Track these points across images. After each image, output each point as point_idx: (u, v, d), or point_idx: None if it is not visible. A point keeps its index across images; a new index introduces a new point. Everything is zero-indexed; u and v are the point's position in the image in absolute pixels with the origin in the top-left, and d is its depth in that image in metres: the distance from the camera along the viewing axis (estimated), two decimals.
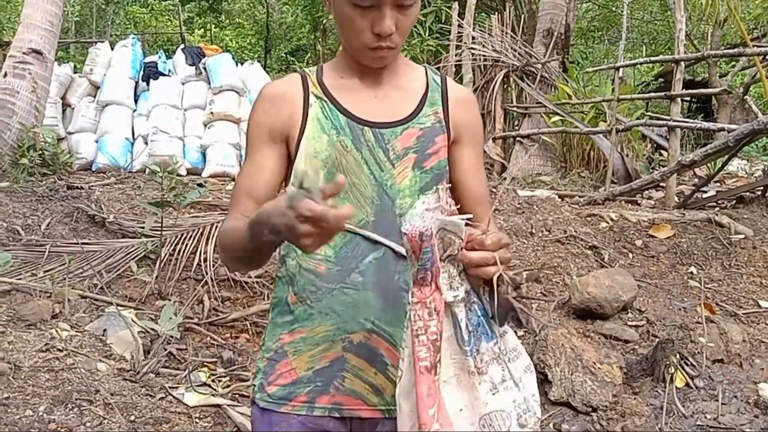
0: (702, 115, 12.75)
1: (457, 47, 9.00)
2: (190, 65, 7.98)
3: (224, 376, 3.14)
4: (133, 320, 3.29)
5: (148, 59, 8.16)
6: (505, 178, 7.69)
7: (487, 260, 0.98)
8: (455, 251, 0.99)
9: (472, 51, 8.81)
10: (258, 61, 11.38)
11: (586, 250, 4.50)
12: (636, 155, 7.55)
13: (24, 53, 5.90)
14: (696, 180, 6.83)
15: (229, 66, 7.84)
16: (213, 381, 3.08)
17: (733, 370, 3.18)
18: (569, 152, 7.94)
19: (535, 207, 5.27)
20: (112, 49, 8.11)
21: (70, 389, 2.59)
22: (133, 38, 8.49)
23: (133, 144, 7.23)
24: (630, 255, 4.52)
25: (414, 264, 0.99)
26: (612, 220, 4.97)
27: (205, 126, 7.37)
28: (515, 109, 8.79)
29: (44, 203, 4.68)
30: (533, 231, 4.70)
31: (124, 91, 7.47)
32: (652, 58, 8.09)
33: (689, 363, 3.12)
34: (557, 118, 7.79)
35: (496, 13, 9.32)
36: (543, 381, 3.02)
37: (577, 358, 3.05)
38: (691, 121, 7.12)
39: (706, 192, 6.03)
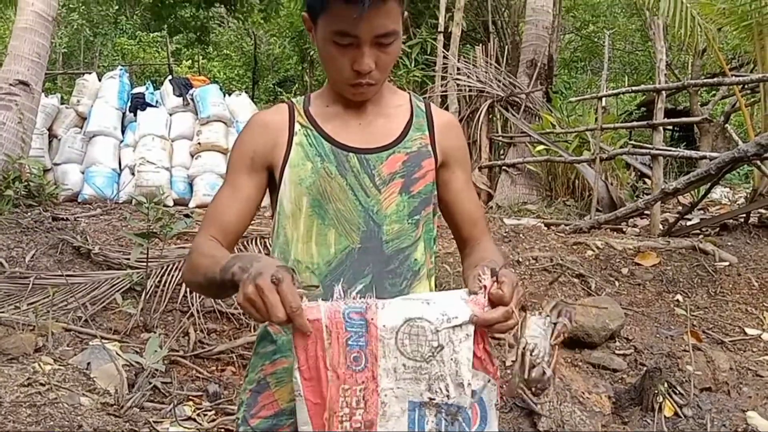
0: (684, 143, 12.94)
1: (443, 78, 9.12)
2: (178, 96, 8.01)
3: (210, 410, 3.10)
4: (117, 353, 3.24)
5: (136, 90, 8.19)
6: (491, 207, 7.74)
7: (506, 316, 1.00)
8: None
9: (458, 82, 8.93)
10: (246, 91, 11.45)
11: (573, 279, 4.52)
12: (620, 183, 7.63)
13: (11, 84, 5.91)
14: (680, 208, 6.91)
15: (217, 97, 7.88)
16: (198, 415, 3.03)
17: (721, 399, 3.18)
18: (554, 181, 8.02)
19: (521, 235, 5.30)
20: (100, 80, 8.14)
21: (53, 424, 2.54)
22: (121, 69, 8.53)
23: (119, 175, 7.21)
24: (616, 283, 4.54)
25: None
26: (598, 248, 5.00)
27: (193, 156, 7.38)
28: (500, 138, 8.89)
29: (29, 235, 4.64)
30: (520, 260, 4.72)
31: (111, 122, 7.47)
32: (634, 88, 8.23)
33: (677, 392, 3.13)
34: (542, 147, 7.89)
35: (481, 45, 9.48)
36: (531, 412, 3.01)
37: (565, 388, 3.05)
38: (674, 149, 7.23)
39: (690, 220, 6.09)
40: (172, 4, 13.69)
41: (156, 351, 3.03)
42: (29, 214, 5.21)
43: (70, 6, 14.07)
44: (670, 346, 3.69)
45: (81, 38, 15.45)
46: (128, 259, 4.24)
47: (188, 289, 3.98)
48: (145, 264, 3.95)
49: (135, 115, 7.71)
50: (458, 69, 8.99)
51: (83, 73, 9.40)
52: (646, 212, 6.01)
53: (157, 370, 3.16)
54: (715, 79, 7.45)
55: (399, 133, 1.25)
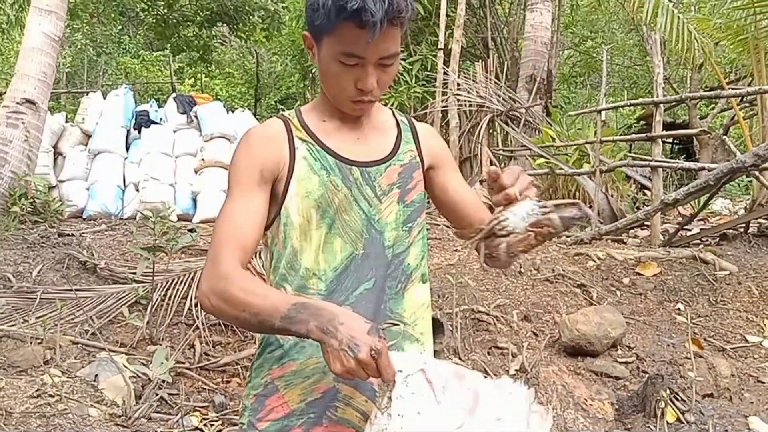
0: (684, 156, 13.01)
1: (443, 94, 9.21)
2: (182, 113, 8.10)
3: (216, 421, 3.13)
4: (124, 365, 3.28)
5: (140, 108, 8.27)
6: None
7: (507, 199, 1.11)
8: None
9: (458, 97, 9.01)
10: (248, 109, 11.56)
11: (575, 289, 4.56)
12: (620, 195, 7.67)
13: (17, 103, 5.98)
14: (680, 218, 6.95)
15: (220, 114, 7.97)
16: (205, 425, 3.07)
17: (723, 405, 3.21)
18: (555, 193, 8.06)
19: None
20: (104, 98, 8.23)
21: None
22: (126, 87, 8.62)
23: (124, 191, 7.27)
24: (618, 293, 4.57)
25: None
26: (599, 258, 5.04)
27: (196, 173, 7.45)
28: (501, 152, 8.95)
29: (35, 250, 4.69)
30: (522, 270, 4.76)
31: (115, 139, 7.55)
32: (633, 101, 8.29)
33: (679, 398, 3.15)
34: (542, 160, 7.94)
35: (480, 61, 9.58)
36: None
37: (568, 395, 3.07)
38: (673, 161, 7.29)
39: (690, 230, 6.13)
40: (175, 23, 13.88)
41: (162, 363, 3.06)
42: (35, 230, 5.27)
43: (75, 26, 14.24)
44: (672, 353, 3.72)
45: (85, 57, 15.62)
46: (134, 273, 4.29)
47: (193, 302, 4.03)
48: (150, 278, 4.00)
49: (139, 132, 7.79)
50: (458, 85, 9.08)
51: (87, 92, 9.51)
52: (646, 223, 6.05)
53: (163, 381, 3.19)
54: (713, 92, 7.53)
55: (392, 147, 1.34)
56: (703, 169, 5.58)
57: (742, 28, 6.08)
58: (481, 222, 1.17)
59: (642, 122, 12.43)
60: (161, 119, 8.18)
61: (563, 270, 4.75)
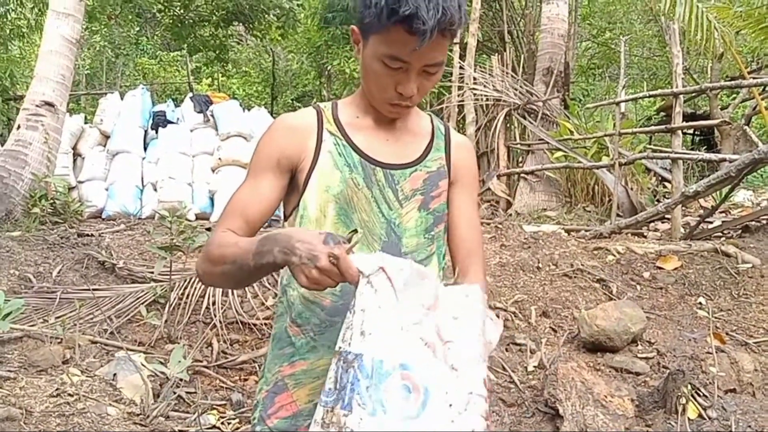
0: (705, 147, 12.81)
1: (460, 88, 9.16)
2: (198, 113, 8.15)
3: (234, 419, 3.14)
4: (142, 364, 3.30)
5: (157, 108, 8.34)
6: (510, 215, 7.72)
7: None
8: None
9: (474, 91, 8.96)
10: (265, 107, 11.59)
11: (594, 284, 4.50)
12: (640, 188, 7.58)
13: (37, 105, 6.06)
14: (701, 211, 6.84)
15: (236, 113, 8.00)
16: (222, 423, 3.08)
17: (746, 400, 3.14)
18: (574, 187, 7.99)
19: (541, 242, 5.28)
20: (122, 99, 8.31)
21: None
22: (143, 88, 8.69)
23: (142, 191, 7.34)
24: (638, 287, 4.51)
25: None
26: (619, 252, 4.97)
27: (213, 171, 7.49)
28: (518, 146, 8.88)
29: (55, 251, 4.75)
30: (540, 265, 4.71)
31: (133, 140, 7.62)
32: (651, 92, 8.15)
33: (701, 394, 3.10)
34: (560, 153, 7.86)
35: (497, 54, 9.51)
36: (554, 416, 3.00)
37: (588, 392, 3.03)
38: (693, 152, 7.18)
39: (711, 223, 6.03)
40: (191, 24, 13.94)
41: (180, 361, 3.08)
42: (55, 230, 5.33)
43: (93, 29, 14.38)
44: (693, 348, 3.66)
45: (103, 59, 15.77)
46: (152, 272, 4.32)
47: (211, 301, 4.05)
48: (168, 277, 4.02)
49: (157, 132, 7.86)
50: (475, 79, 9.01)
51: (106, 93, 9.61)
52: (667, 216, 5.96)
53: (181, 380, 3.21)
54: (733, 82, 7.38)
55: (421, 152, 1.31)
56: (724, 160, 5.49)
57: (764, 15, 5.96)
58: (461, 269, 1.26)
59: (662, 114, 12.25)
60: (178, 119, 8.24)
61: (582, 265, 4.69)
